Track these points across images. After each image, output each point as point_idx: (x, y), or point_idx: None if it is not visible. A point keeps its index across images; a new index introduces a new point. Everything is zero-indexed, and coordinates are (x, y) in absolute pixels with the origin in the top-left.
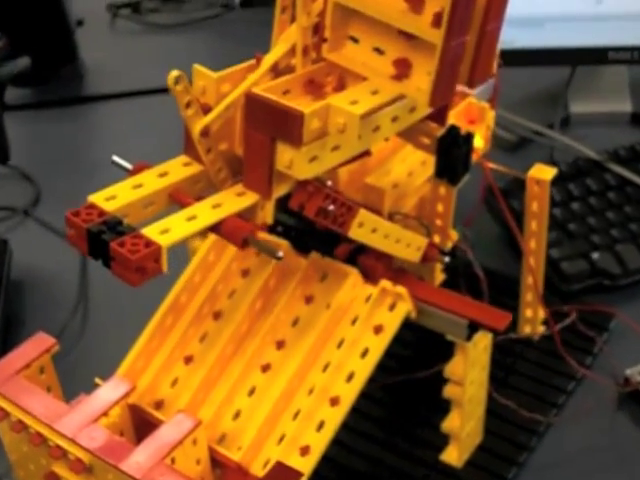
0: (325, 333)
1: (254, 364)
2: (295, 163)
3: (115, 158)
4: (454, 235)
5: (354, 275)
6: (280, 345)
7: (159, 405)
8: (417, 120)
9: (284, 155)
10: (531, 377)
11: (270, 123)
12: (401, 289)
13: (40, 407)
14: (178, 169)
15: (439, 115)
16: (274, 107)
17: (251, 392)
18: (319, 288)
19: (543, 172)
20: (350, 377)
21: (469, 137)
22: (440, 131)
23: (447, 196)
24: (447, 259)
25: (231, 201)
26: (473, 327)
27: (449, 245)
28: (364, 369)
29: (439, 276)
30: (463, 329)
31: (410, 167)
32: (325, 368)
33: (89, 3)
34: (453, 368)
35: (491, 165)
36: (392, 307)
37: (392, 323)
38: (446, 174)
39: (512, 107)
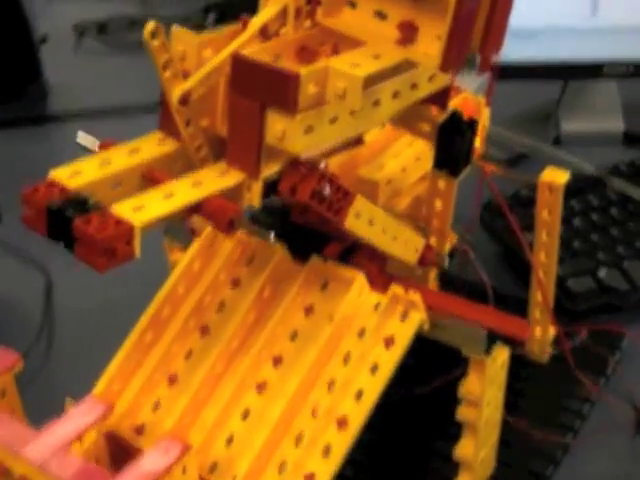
0: (328, 347)
1: (248, 383)
2: (288, 134)
3: (81, 136)
4: (453, 237)
5: (360, 281)
6: (277, 361)
7: (139, 431)
8: (418, 99)
9: (275, 125)
10: (543, 400)
11: (260, 87)
12: (415, 295)
13: (3, 432)
14: (152, 146)
15: (440, 98)
16: (265, 68)
17: (245, 415)
18: (320, 297)
19: (556, 176)
20: (359, 395)
21: (473, 123)
22: (441, 116)
23: (446, 191)
24: (447, 261)
25: (213, 179)
26: (492, 338)
27: (447, 248)
28: (374, 386)
29: (432, 285)
30: (481, 341)
31: (404, 162)
32: (330, 386)
33: (55, 22)
34: (469, 387)
35: (491, 168)
36: (404, 316)
37: (404, 334)
38: (446, 165)
39: (500, 125)
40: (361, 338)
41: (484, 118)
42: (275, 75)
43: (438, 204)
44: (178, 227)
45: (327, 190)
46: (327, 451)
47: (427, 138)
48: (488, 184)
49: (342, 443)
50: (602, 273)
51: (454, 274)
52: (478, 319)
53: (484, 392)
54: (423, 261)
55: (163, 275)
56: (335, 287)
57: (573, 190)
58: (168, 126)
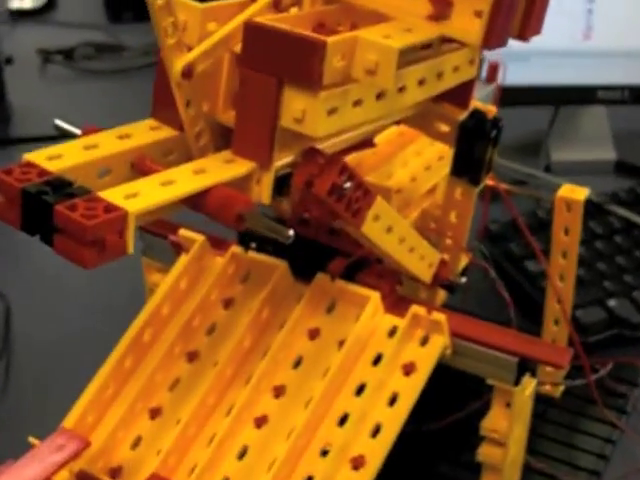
0: (338, 376)
1: (245, 417)
2: (309, 115)
3: (58, 122)
4: (467, 254)
5: (374, 300)
6: (279, 392)
7: (116, 473)
8: (442, 91)
9: (294, 104)
10: (561, 441)
11: (278, 59)
12: (439, 316)
13: None
14: (144, 132)
15: (461, 95)
16: (285, 35)
17: (242, 453)
18: (326, 320)
19: (574, 192)
20: (376, 431)
21: (498, 123)
22: (461, 115)
23: (464, 201)
24: (464, 279)
25: (218, 168)
26: (522, 367)
27: (461, 265)
28: (394, 420)
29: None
30: (512, 370)
31: (413, 172)
32: (342, 421)
33: (19, 45)
34: (494, 423)
35: (504, 187)
36: (425, 341)
37: (426, 360)
38: (467, 171)
39: None
40: (376, 365)
41: None
42: (297, 43)
43: (454, 216)
44: (158, 245)
45: (348, 185)
46: None
47: (445, 140)
48: (506, 204)
49: None
50: (612, 303)
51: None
52: (505, 346)
53: (511, 429)
54: (437, 278)
55: (138, 303)
56: (344, 309)
57: (593, 212)
58: (163, 112)
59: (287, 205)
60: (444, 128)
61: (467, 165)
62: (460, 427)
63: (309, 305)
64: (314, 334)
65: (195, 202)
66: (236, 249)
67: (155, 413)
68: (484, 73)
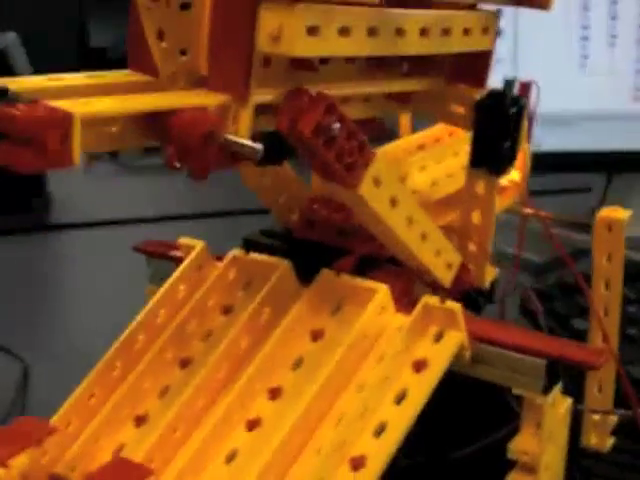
0: (339, 375)
1: (236, 420)
2: (286, 30)
3: None
4: (493, 269)
5: (382, 293)
6: (275, 394)
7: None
8: (450, 51)
9: (270, 21)
10: None
11: None
12: (453, 305)
13: None
14: (118, 75)
15: (476, 73)
16: None
17: (231, 457)
18: (331, 321)
19: (615, 212)
20: (380, 430)
21: (520, 100)
22: (478, 94)
23: (487, 196)
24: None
25: (186, 96)
26: (552, 371)
27: (488, 279)
28: (401, 419)
29: None
30: (540, 374)
31: (434, 176)
32: (341, 420)
33: None
34: (523, 444)
35: (529, 211)
36: (439, 338)
37: (440, 357)
38: (486, 158)
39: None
40: (383, 362)
41: (525, 155)
42: None
43: (477, 216)
44: (164, 270)
45: (337, 126)
46: None
47: (462, 124)
48: (547, 235)
49: None
50: None
51: None
52: (537, 347)
53: (542, 450)
54: (459, 283)
55: None
56: (351, 308)
57: (625, 277)
58: (138, 60)
59: (294, 214)
60: (459, 110)
61: (486, 151)
62: (491, 454)
63: (312, 304)
64: (317, 335)
65: (159, 128)
66: (237, 252)
67: (140, 420)
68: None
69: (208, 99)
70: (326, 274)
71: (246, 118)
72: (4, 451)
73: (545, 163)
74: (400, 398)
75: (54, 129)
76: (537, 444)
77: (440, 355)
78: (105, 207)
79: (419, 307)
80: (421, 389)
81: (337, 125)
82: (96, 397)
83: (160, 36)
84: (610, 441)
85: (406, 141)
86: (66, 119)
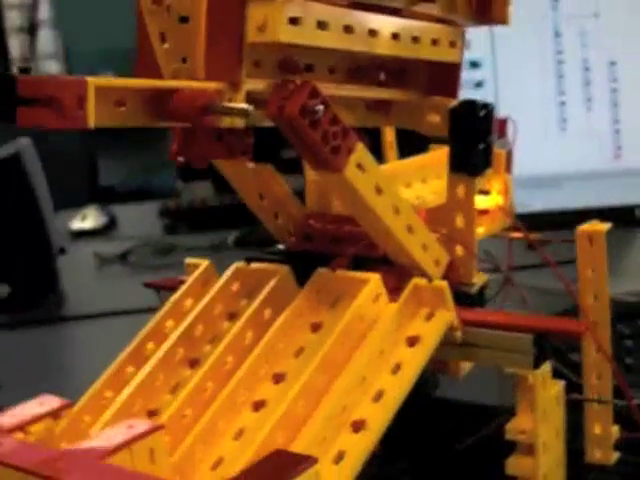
0: (340, 355)
1: (243, 402)
2: (270, 19)
3: None
4: (481, 275)
5: (374, 282)
6: (279, 379)
7: None
8: (418, 56)
9: (257, 14)
10: None
11: None
12: (441, 284)
13: None
14: None
15: (449, 86)
16: None
17: (238, 435)
18: (329, 314)
19: (595, 226)
20: (378, 396)
21: (489, 105)
22: (451, 103)
23: (467, 198)
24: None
25: (188, 82)
26: (540, 345)
27: (477, 283)
28: (397, 387)
29: None
30: (528, 349)
31: (418, 192)
32: (343, 393)
33: (77, 250)
34: (519, 423)
35: (516, 235)
36: (429, 317)
37: (431, 333)
38: (463, 161)
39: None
40: (378, 338)
41: (507, 180)
42: None
43: (460, 219)
44: None
45: (320, 108)
46: (340, 457)
47: (438, 131)
48: (542, 257)
49: (359, 447)
50: None
51: None
52: (523, 323)
53: (538, 429)
54: (448, 279)
55: None
56: (347, 301)
57: (621, 315)
58: (145, 64)
59: (289, 225)
60: (435, 118)
61: (463, 154)
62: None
63: (310, 300)
64: (317, 327)
65: (163, 110)
66: (239, 264)
67: (152, 414)
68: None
69: (206, 84)
70: (322, 272)
71: (239, 102)
72: (25, 419)
73: (533, 223)
74: (396, 369)
75: (72, 91)
76: (532, 421)
77: (431, 332)
78: (116, 301)
79: (409, 287)
80: (415, 361)
81: (321, 107)
82: (108, 398)
83: (162, 38)
84: (615, 455)
85: (392, 165)
86: (82, 84)
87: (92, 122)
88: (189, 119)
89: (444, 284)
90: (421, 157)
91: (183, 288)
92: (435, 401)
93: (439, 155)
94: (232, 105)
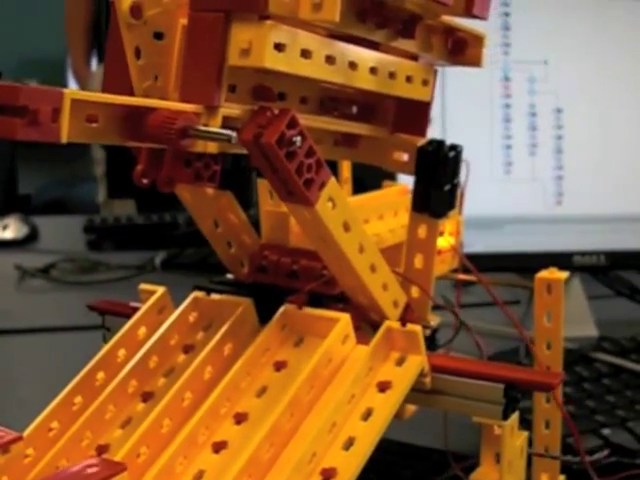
0: (306, 398)
1: (201, 442)
2: (256, 43)
3: None
4: (435, 316)
5: (344, 323)
6: (240, 419)
7: None
8: (392, 93)
9: (241, 35)
10: None
11: None
12: (414, 327)
13: None
14: None
15: (417, 123)
16: None
17: (198, 477)
18: (294, 352)
19: (554, 274)
20: (349, 444)
21: (457, 147)
22: (419, 142)
23: (428, 240)
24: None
25: (165, 103)
26: (510, 396)
27: (432, 324)
28: (368, 434)
29: None
30: (498, 398)
31: (375, 230)
32: (313, 438)
33: None
34: (483, 475)
35: (465, 277)
36: (400, 362)
37: (402, 378)
38: (428, 202)
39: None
40: (348, 382)
41: (459, 223)
42: None
43: (419, 260)
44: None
45: (298, 139)
46: None
47: (405, 170)
48: (490, 293)
49: None
50: (606, 431)
51: None
52: (493, 372)
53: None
54: (403, 321)
55: None
56: (314, 340)
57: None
58: (114, 81)
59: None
60: (403, 157)
61: (428, 194)
62: None
63: (274, 337)
64: (281, 365)
65: (136, 129)
66: (198, 294)
67: (103, 449)
68: None
69: (183, 106)
70: (287, 308)
71: (215, 125)
72: None
73: (475, 264)
74: (367, 415)
75: (47, 103)
76: (497, 474)
77: (403, 377)
78: (33, 316)
79: (381, 330)
80: (387, 407)
81: (299, 138)
82: (55, 429)
83: (137, 54)
84: (562, 479)
85: (350, 201)
86: (58, 96)
87: (65, 137)
88: (166, 141)
89: (418, 328)
90: (376, 193)
91: (137, 315)
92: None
93: (394, 192)
94: (215, 130)
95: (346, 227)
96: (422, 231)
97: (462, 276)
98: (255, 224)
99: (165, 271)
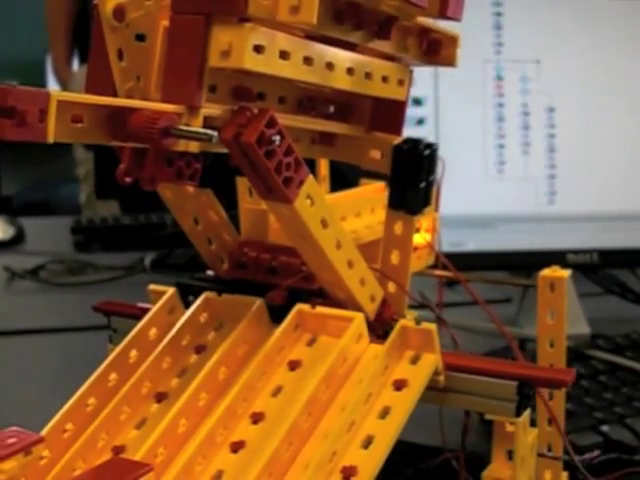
0: (323, 398)
1: (219, 442)
2: (235, 45)
3: None
4: (412, 313)
5: (358, 322)
6: (257, 418)
7: None
8: (369, 93)
9: (222, 38)
10: None
11: None
12: (430, 327)
13: None
14: None
15: (393, 122)
16: None
17: (216, 478)
18: (307, 352)
19: (557, 272)
20: (368, 442)
21: (432, 145)
22: (395, 141)
23: (405, 237)
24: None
25: (147, 103)
26: (523, 393)
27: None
28: (386, 432)
29: None
30: (511, 395)
31: (351, 227)
32: (334, 437)
33: None
34: (495, 471)
35: (442, 273)
36: (415, 360)
37: (418, 377)
38: (403, 199)
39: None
40: (364, 382)
41: (435, 220)
42: None
43: (395, 256)
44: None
45: (277, 139)
46: None
47: (379, 168)
48: (469, 293)
49: None
50: (605, 428)
51: None
52: (506, 370)
53: (517, 477)
54: (381, 319)
55: None
56: (328, 339)
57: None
58: (97, 81)
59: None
60: (377, 155)
61: (404, 192)
62: None
63: (287, 337)
64: (295, 365)
65: (120, 129)
66: (209, 294)
67: (119, 450)
68: None
69: (165, 106)
70: (301, 308)
71: (197, 125)
72: None
73: (468, 263)
74: (384, 413)
75: (34, 104)
76: (510, 470)
77: (419, 376)
78: (23, 317)
79: (396, 329)
80: (403, 405)
81: (278, 137)
82: (70, 431)
83: (120, 56)
84: (564, 476)
85: (327, 198)
86: (44, 97)
87: (52, 137)
88: (148, 141)
89: (433, 327)
90: (354, 191)
91: (148, 316)
92: None
93: (371, 189)
94: (196, 129)
95: (324, 224)
96: (398, 228)
97: (439, 272)
98: (237, 223)
99: (155, 271)
